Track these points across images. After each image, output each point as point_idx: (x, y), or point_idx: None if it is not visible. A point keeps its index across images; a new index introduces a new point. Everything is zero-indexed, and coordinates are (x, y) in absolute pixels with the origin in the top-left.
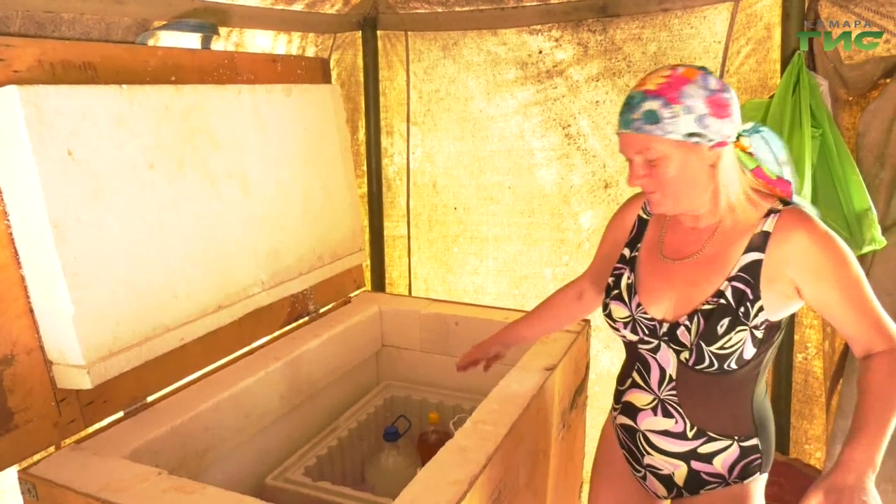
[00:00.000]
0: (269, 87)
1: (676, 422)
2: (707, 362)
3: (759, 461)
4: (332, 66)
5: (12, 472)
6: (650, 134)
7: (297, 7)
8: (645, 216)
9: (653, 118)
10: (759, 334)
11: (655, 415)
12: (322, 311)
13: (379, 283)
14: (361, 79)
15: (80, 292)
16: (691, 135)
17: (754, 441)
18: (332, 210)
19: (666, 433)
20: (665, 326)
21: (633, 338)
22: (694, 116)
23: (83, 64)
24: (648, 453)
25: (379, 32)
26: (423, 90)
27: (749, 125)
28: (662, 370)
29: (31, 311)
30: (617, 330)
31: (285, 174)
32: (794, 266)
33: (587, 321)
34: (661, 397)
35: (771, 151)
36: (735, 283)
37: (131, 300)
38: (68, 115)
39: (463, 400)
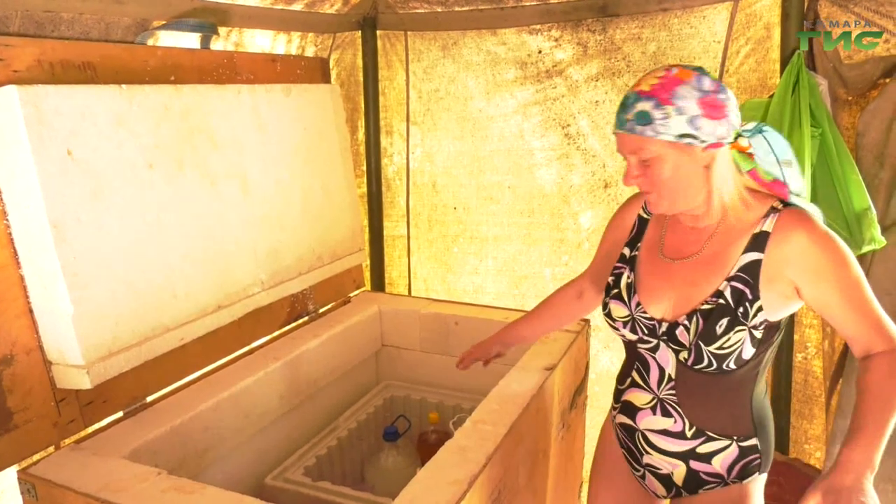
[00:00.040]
0: (269, 87)
1: (675, 421)
2: (706, 362)
3: (758, 461)
4: (331, 66)
5: (12, 472)
6: (642, 135)
7: (297, 7)
8: (645, 216)
9: (645, 119)
10: (758, 334)
11: (654, 414)
12: (322, 310)
13: (378, 283)
14: (361, 78)
15: (80, 292)
16: (683, 136)
17: (753, 441)
18: (331, 210)
19: (665, 432)
20: (664, 326)
21: (633, 337)
22: (686, 118)
23: (82, 64)
24: (647, 452)
25: (378, 32)
26: (422, 90)
27: (751, 125)
28: (661, 370)
29: (31, 310)
30: (616, 329)
31: (285, 174)
32: (794, 266)
33: (587, 321)
34: (661, 397)
35: (772, 152)
36: (734, 283)
37: (131, 300)
38: (68, 114)
39: (463, 400)
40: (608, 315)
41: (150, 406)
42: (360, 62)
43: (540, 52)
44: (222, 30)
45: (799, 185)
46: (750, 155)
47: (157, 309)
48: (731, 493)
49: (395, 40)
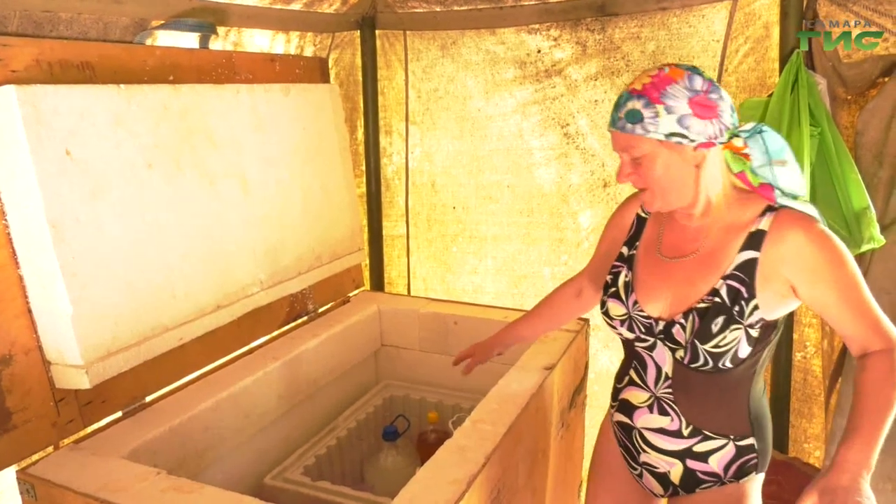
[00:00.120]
0: (268, 87)
1: (672, 420)
2: (702, 361)
3: (756, 461)
4: (330, 66)
5: (11, 472)
6: (633, 133)
7: (296, 6)
8: (644, 215)
9: (635, 117)
10: (754, 333)
11: (651, 412)
12: (321, 310)
13: (378, 283)
14: (360, 78)
15: (79, 292)
16: (672, 135)
17: (750, 441)
18: (330, 209)
19: (661, 431)
20: (661, 324)
21: (630, 335)
22: (675, 117)
23: (81, 63)
24: (644, 451)
25: (377, 32)
26: (421, 89)
27: (750, 126)
28: (659, 368)
29: (30, 310)
30: (614, 328)
31: (284, 174)
32: (790, 265)
33: (586, 320)
34: (658, 395)
35: (766, 153)
36: (730, 282)
37: (130, 300)
38: (66, 114)
39: (462, 399)
40: (606, 313)
41: (150, 406)
42: (359, 62)
43: (539, 51)
44: (221, 29)
45: (794, 185)
46: (745, 156)
47: (156, 309)
48: (728, 493)
49: (394, 40)
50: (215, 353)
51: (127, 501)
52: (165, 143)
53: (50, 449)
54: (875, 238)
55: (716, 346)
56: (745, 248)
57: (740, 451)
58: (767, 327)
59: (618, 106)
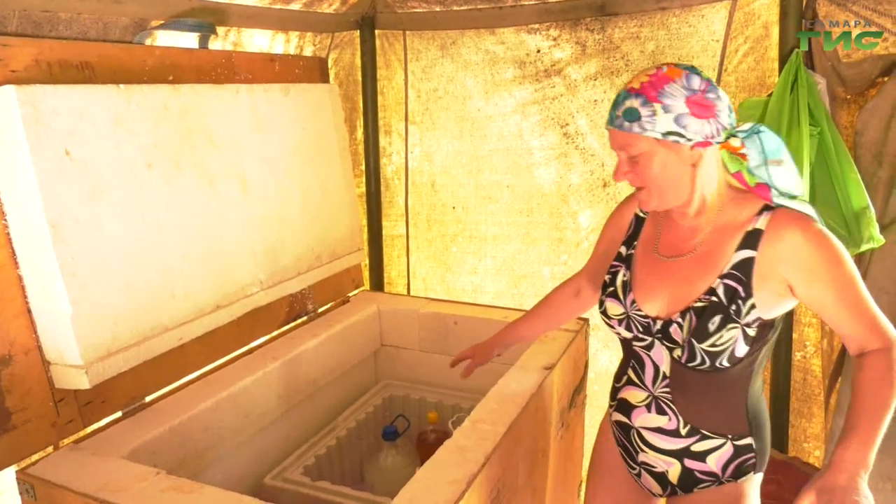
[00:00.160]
0: (267, 87)
1: (670, 419)
2: (699, 360)
3: (753, 461)
4: (330, 66)
5: (10, 472)
6: (630, 131)
7: (295, 6)
8: (642, 214)
9: (633, 115)
10: (751, 332)
11: (649, 412)
12: (321, 310)
13: (377, 283)
14: (359, 78)
15: (78, 292)
16: (669, 133)
17: (748, 440)
18: (330, 209)
19: (659, 430)
20: (658, 324)
21: (628, 335)
22: (672, 116)
23: (80, 63)
24: (642, 450)
25: (377, 32)
26: (421, 89)
27: (747, 126)
28: (656, 367)
29: (29, 311)
30: (612, 327)
31: (283, 174)
32: (787, 265)
33: (586, 320)
34: (655, 394)
35: (763, 153)
36: (727, 281)
37: (129, 300)
38: (66, 114)
39: (462, 399)
40: (604, 313)
41: (149, 406)
42: (358, 62)
43: (538, 51)
44: (220, 29)
45: (790, 185)
46: (742, 156)
47: (155, 309)
48: (726, 493)
49: (393, 40)
50: (215, 353)
51: (126, 501)
52: (165, 143)
53: (50, 449)
54: (874, 238)
55: (713, 345)
56: (741, 247)
57: (738, 451)
58: (764, 326)
59: (615, 104)
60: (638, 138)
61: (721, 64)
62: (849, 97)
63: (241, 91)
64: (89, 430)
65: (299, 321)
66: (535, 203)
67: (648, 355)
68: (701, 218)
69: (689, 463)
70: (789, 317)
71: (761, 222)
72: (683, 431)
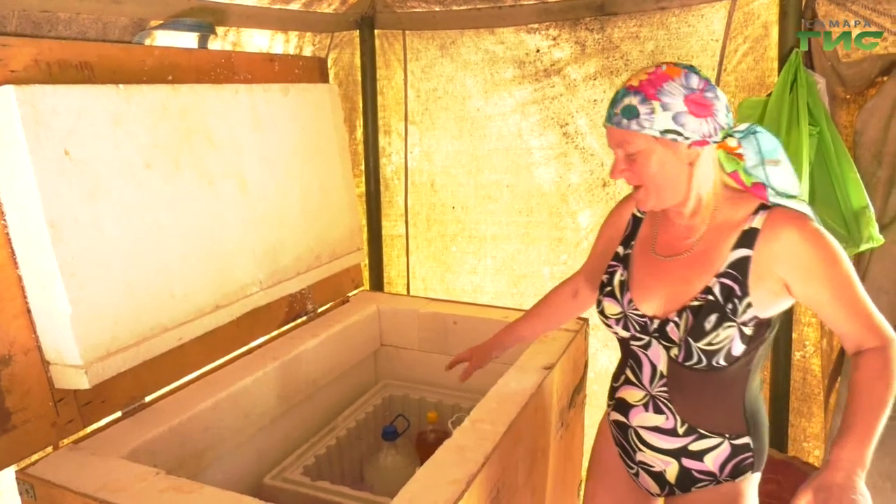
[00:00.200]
0: (267, 87)
1: (667, 418)
2: (696, 358)
3: (751, 460)
4: (329, 66)
5: (10, 472)
6: (628, 129)
7: (295, 6)
8: (639, 214)
9: (631, 113)
10: (748, 331)
11: (647, 411)
12: (320, 310)
13: (377, 283)
14: (359, 78)
15: (78, 292)
16: (667, 131)
17: (746, 440)
18: (329, 209)
19: (657, 429)
20: (655, 323)
21: (625, 334)
22: (671, 114)
23: (80, 63)
24: (640, 450)
25: (376, 31)
26: (420, 89)
27: (744, 126)
28: (654, 366)
29: (29, 311)
30: (609, 326)
31: (283, 174)
32: (784, 264)
33: (585, 320)
34: (653, 394)
35: (760, 153)
36: (723, 280)
37: (129, 300)
38: (65, 114)
39: (461, 399)
40: (601, 312)
41: (149, 406)
42: (358, 62)
43: (538, 51)
44: (220, 29)
45: (787, 184)
46: (738, 156)
47: (155, 309)
48: (724, 492)
49: (393, 39)
50: (214, 353)
51: (126, 501)
52: (164, 143)
53: (49, 449)
54: (874, 237)
55: (709, 344)
56: (738, 246)
57: (736, 450)
58: (761, 325)
59: (614, 102)
60: (636, 136)
61: (720, 63)
62: (848, 97)
63: (241, 91)
64: (89, 430)
65: (299, 321)
66: (535, 203)
67: (646, 354)
68: (697, 217)
69: (686, 462)
70: (789, 316)
71: (757, 221)
72: (681, 431)
